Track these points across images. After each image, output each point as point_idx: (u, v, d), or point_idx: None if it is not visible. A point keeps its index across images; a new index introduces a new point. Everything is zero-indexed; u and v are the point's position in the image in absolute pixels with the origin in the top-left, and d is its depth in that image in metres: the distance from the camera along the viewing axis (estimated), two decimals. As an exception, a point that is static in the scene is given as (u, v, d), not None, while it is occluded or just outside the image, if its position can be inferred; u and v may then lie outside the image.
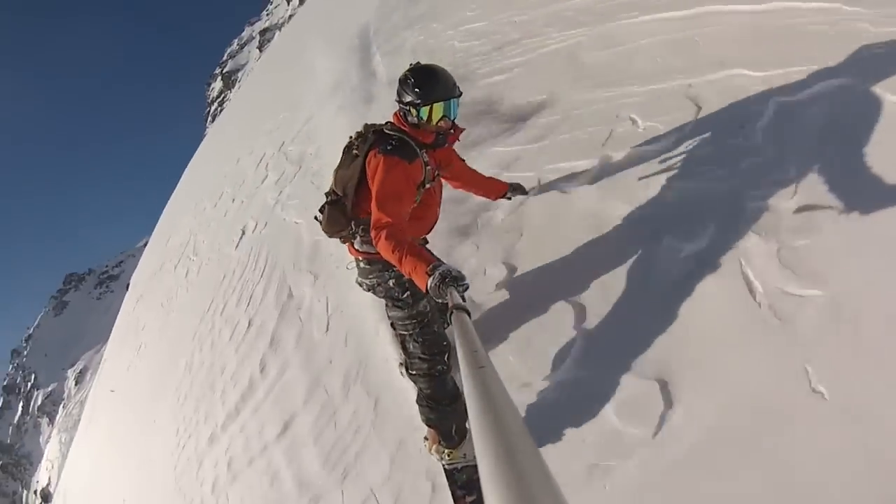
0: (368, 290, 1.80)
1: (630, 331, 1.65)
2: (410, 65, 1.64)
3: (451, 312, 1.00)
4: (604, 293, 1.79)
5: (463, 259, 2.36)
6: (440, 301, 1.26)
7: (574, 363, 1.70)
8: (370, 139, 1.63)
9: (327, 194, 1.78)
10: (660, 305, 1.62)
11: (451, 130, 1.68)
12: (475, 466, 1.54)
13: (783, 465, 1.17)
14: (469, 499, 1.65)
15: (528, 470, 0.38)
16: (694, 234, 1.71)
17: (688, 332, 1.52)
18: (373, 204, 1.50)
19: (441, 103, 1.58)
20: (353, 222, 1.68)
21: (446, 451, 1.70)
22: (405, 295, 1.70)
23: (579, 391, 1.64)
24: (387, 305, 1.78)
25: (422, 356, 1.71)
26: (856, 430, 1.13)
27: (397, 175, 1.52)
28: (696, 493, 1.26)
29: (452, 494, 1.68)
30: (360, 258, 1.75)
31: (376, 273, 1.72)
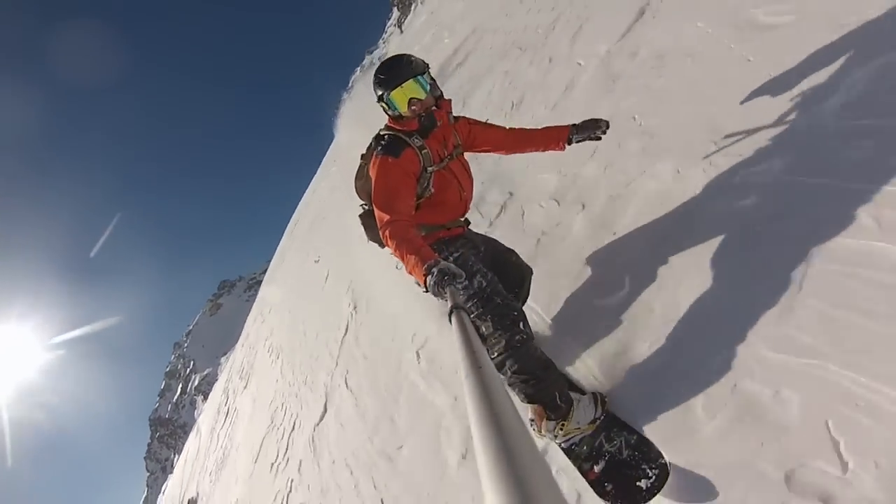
0: (424, 289, 1.79)
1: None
2: None
3: (451, 311, 0.98)
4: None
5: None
6: (440, 300, 1.24)
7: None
8: (371, 145, 1.70)
9: (361, 206, 1.89)
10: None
11: (435, 107, 1.64)
12: (592, 435, 1.60)
13: None
14: (597, 468, 1.50)
15: (529, 470, 0.37)
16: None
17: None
18: (373, 204, 1.57)
19: (400, 87, 1.57)
20: None
21: (558, 425, 1.54)
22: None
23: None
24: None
25: (496, 332, 1.57)
26: None
27: (388, 173, 1.56)
28: None
29: (579, 470, 1.53)
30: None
31: None
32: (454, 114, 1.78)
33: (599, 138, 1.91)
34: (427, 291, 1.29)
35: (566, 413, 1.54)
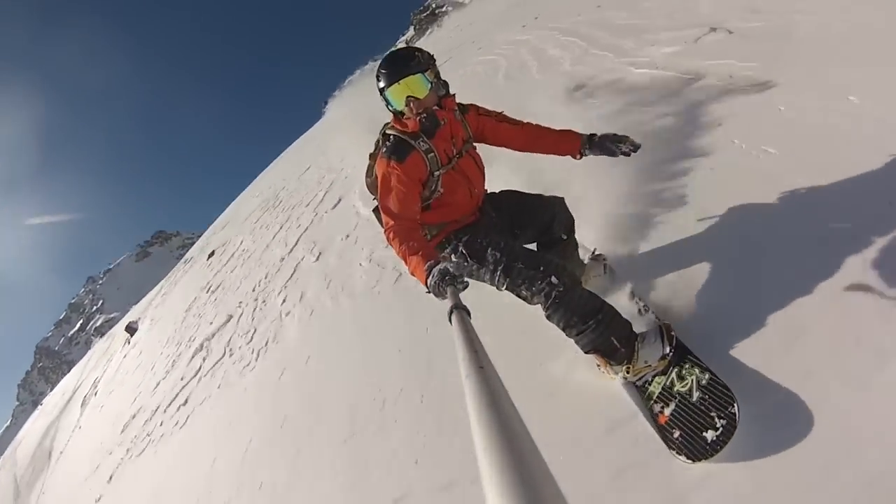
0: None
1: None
2: None
3: (451, 312, 0.97)
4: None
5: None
6: (439, 300, 1.24)
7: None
8: (378, 143, 1.67)
9: (374, 200, 1.83)
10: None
11: (438, 106, 1.57)
12: (664, 371, 1.51)
13: None
14: (667, 411, 1.44)
15: (531, 473, 0.37)
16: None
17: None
18: (379, 205, 1.57)
19: (398, 83, 1.50)
20: None
21: (624, 368, 1.51)
22: (469, 262, 1.61)
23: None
24: (477, 279, 1.64)
25: (532, 295, 1.52)
26: None
27: (391, 177, 1.52)
28: None
29: (649, 413, 1.47)
30: None
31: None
32: (462, 103, 1.72)
33: (627, 153, 1.68)
34: (429, 292, 1.29)
35: (629, 355, 1.50)
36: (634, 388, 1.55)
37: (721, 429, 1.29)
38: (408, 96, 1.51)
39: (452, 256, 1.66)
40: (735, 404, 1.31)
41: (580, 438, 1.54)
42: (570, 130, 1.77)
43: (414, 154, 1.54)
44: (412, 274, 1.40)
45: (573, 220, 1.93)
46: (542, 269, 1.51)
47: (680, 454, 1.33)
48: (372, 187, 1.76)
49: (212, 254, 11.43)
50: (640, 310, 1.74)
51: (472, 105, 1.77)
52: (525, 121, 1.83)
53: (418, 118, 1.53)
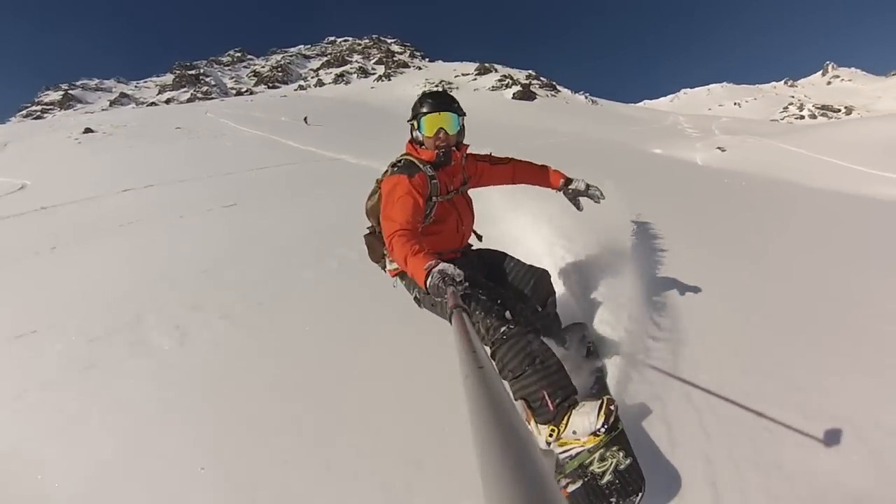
0: (420, 305, 1.83)
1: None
2: None
3: (451, 312, 0.99)
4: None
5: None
6: (439, 300, 1.26)
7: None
8: (387, 171, 1.78)
9: (368, 228, 1.97)
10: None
11: (455, 147, 1.77)
12: (590, 450, 1.36)
13: None
14: (571, 489, 1.36)
15: (530, 472, 0.37)
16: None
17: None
18: (382, 220, 1.61)
19: (435, 114, 1.71)
20: (385, 247, 1.78)
21: (549, 430, 1.41)
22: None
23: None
24: (439, 311, 1.72)
25: (488, 332, 1.52)
26: None
27: (400, 187, 1.64)
28: None
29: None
30: (394, 276, 1.88)
31: (411, 285, 1.80)
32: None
33: (595, 200, 2.01)
34: (428, 293, 1.30)
35: (559, 417, 1.40)
36: (551, 456, 1.46)
37: None
38: (440, 127, 1.72)
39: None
40: (640, 494, 1.25)
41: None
42: (552, 169, 2.10)
43: (421, 174, 1.69)
44: (412, 275, 1.40)
45: (553, 294, 1.92)
46: (499, 301, 1.57)
47: None
48: (372, 211, 1.85)
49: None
50: (588, 350, 1.78)
51: (470, 154, 1.95)
52: (509, 157, 2.10)
53: (437, 150, 1.73)
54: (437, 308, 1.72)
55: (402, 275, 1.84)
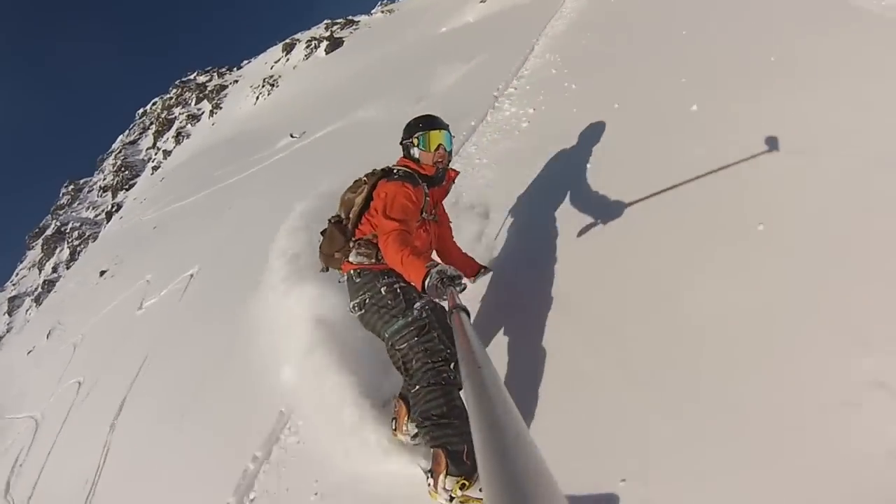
0: (360, 311, 1.73)
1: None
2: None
3: (451, 312, 1.02)
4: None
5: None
6: (438, 300, 1.30)
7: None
8: (378, 174, 1.88)
9: (331, 219, 2.00)
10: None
11: (447, 168, 1.94)
12: None
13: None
14: None
15: (530, 469, 0.37)
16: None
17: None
18: (380, 218, 1.65)
19: (438, 131, 1.91)
20: (351, 240, 1.85)
21: (458, 483, 1.35)
22: (398, 301, 1.62)
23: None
24: (383, 322, 1.64)
25: (423, 367, 1.51)
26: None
27: (403, 193, 1.72)
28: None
29: None
30: (353, 270, 1.79)
31: (368, 285, 1.71)
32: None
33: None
34: (425, 293, 1.33)
35: (470, 472, 1.35)
36: None
37: None
38: (440, 143, 1.89)
39: (383, 289, 1.66)
40: None
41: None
42: (473, 260, 2.40)
43: (421, 187, 1.82)
44: (409, 276, 1.44)
45: None
46: (449, 352, 1.52)
47: None
48: (348, 202, 1.89)
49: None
50: None
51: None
52: (453, 236, 2.33)
53: (436, 165, 1.90)
54: (379, 320, 1.65)
55: (362, 272, 1.74)
